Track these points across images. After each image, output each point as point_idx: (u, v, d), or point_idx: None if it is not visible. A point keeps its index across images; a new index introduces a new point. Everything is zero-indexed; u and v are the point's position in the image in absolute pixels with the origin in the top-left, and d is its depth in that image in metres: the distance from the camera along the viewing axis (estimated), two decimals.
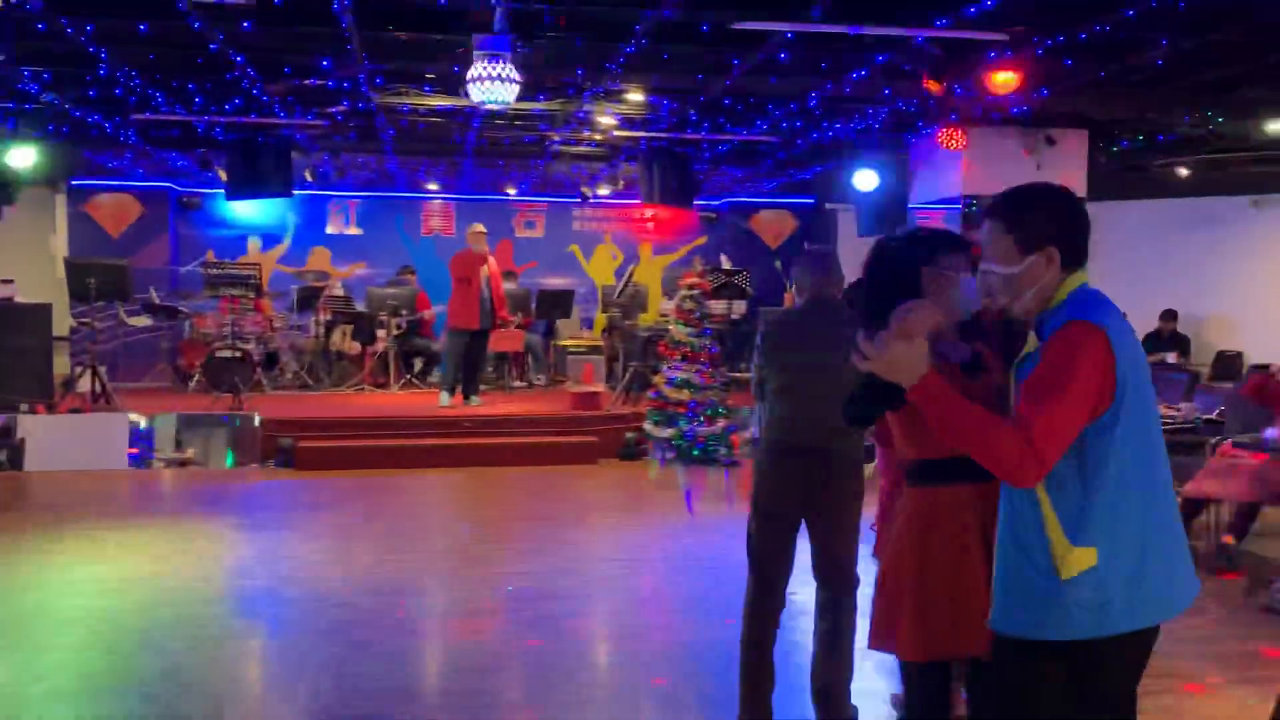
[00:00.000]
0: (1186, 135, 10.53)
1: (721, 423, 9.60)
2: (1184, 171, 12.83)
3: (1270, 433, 5.81)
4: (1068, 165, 9.90)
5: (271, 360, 12.31)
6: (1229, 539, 6.34)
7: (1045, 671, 2.32)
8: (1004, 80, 6.81)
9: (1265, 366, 7.22)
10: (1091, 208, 8.83)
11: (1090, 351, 2.20)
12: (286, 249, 15.29)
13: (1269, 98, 8.69)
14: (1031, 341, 2.34)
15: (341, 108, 9.11)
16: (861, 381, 2.45)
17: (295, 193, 11.79)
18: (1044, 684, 2.33)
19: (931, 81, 6.83)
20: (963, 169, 9.80)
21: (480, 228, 10.64)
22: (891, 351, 2.28)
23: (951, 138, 9.19)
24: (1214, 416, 7.33)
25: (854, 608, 3.78)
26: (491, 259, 10.68)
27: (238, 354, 10.84)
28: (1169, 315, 13.36)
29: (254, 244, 15.14)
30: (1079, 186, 10.02)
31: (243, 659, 4.81)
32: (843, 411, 2.62)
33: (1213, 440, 6.76)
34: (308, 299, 12.55)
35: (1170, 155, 11.99)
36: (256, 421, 9.55)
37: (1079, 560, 2.26)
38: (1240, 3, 6.15)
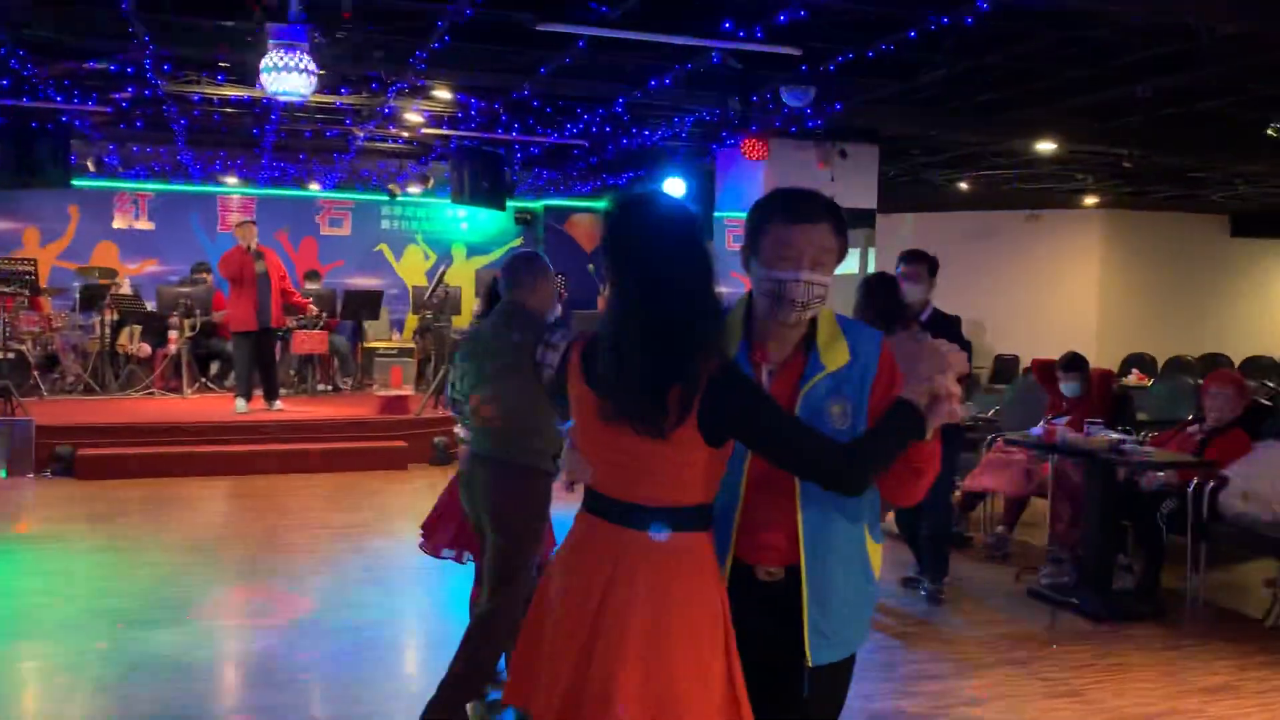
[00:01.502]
0: (966, 152, 11.26)
1: None
2: (964, 186, 13.74)
3: (1036, 430, 6.26)
4: (859, 177, 10.40)
5: (51, 362, 11.47)
6: (1002, 529, 6.83)
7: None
8: (798, 94, 7.10)
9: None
10: (881, 219, 9.37)
11: None
12: (68, 244, 14.31)
13: (1038, 119, 9.40)
14: (841, 355, 2.19)
15: (126, 94, 8.58)
16: (902, 417, 2.08)
17: (76, 184, 11.04)
18: None
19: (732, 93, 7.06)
20: (763, 179, 10.15)
21: (246, 219, 10.19)
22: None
23: (754, 148, 9.50)
24: (990, 415, 7.87)
25: (490, 613, 3.72)
26: (271, 252, 10.24)
27: (10, 355, 10.06)
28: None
29: (31, 237, 14.08)
30: (870, 198, 10.55)
31: (8, 683, 4.44)
32: (865, 455, 2.07)
33: (989, 437, 7.25)
34: (92, 297, 11.76)
35: (952, 171, 12.81)
36: (32, 428, 8.87)
37: (879, 554, 2.34)
38: (1008, 31, 6.63)
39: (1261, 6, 5.95)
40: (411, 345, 13.13)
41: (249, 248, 9.83)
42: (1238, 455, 5.62)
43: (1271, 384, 9.87)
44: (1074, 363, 6.54)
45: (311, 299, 11.63)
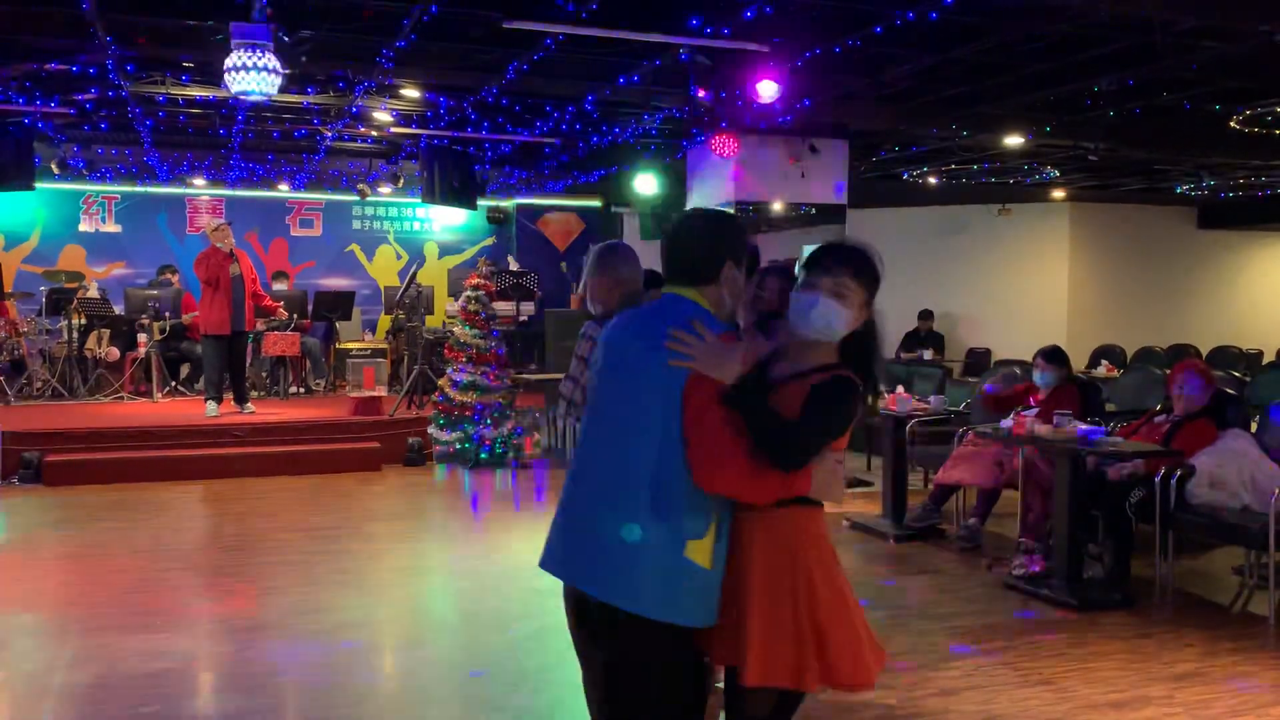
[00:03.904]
0: (935, 147, 11.31)
1: (509, 425, 9.56)
2: (934, 180, 13.80)
3: (1006, 423, 6.29)
4: (829, 173, 10.43)
5: (18, 368, 11.33)
6: (974, 521, 6.87)
7: None
8: (767, 90, 7.11)
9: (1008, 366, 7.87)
10: (851, 214, 9.35)
11: None
12: (34, 247, 14.14)
13: (1005, 114, 9.45)
14: None
15: (90, 95, 8.47)
16: None
17: (39, 186, 10.90)
18: None
19: (700, 90, 7.06)
20: (734, 175, 10.16)
21: (219, 222, 10.09)
22: None
23: (724, 145, 9.51)
24: (961, 409, 7.92)
25: None
26: (244, 255, 10.16)
27: None
28: (925, 315, 14.34)
29: None
30: (840, 194, 10.58)
31: None
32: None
33: (960, 430, 7.30)
34: (59, 301, 11.64)
35: (921, 165, 12.87)
36: None
37: None
38: (973, 26, 6.66)
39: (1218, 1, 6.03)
40: (384, 346, 13.07)
41: (229, 252, 9.76)
42: (1204, 444, 5.69)
43: (1238, 374, 9.98)
44: (1054, 354, 6.62)
45: (281, 301, 11.54)
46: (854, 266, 2.46)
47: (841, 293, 2.43)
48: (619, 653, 2.38)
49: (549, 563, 2.50)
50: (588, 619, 2.42)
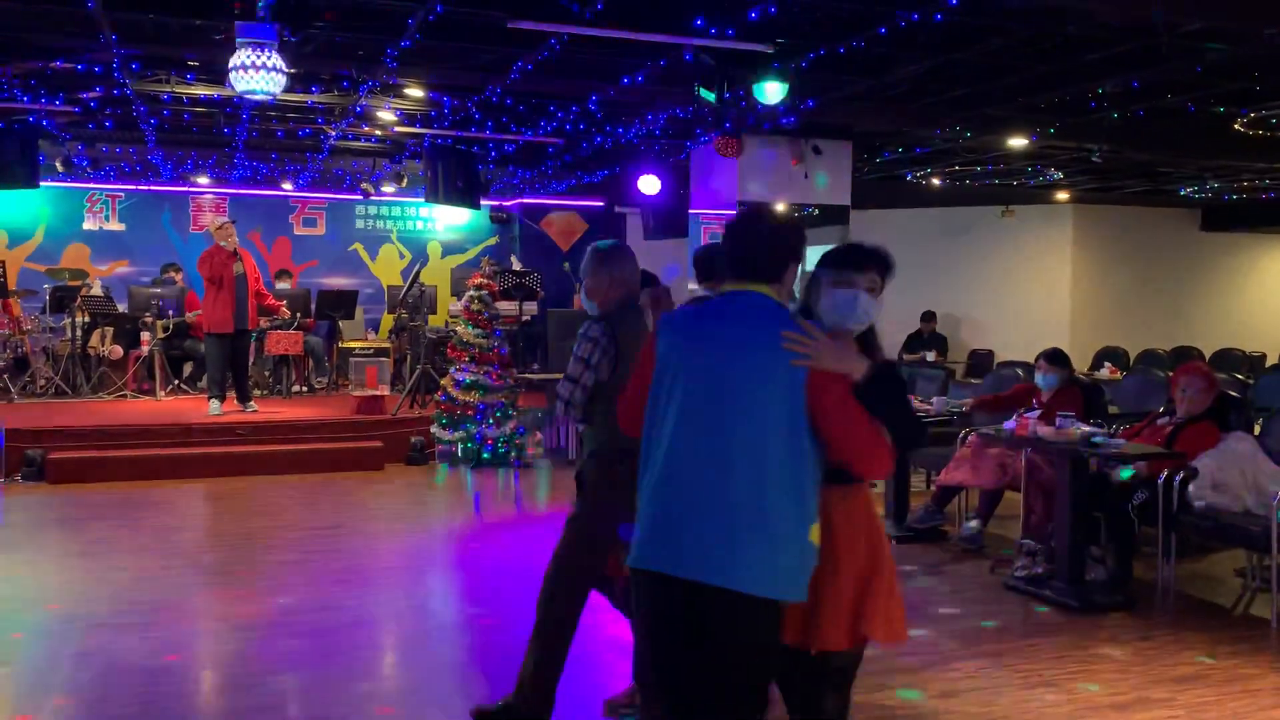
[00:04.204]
0: (939, 149, 11.30)
1: (511, 424, 9.57)
2: (937, 182, 13.79)
3: (1009, 424, 6.29)
4: (833, 174, 10.43)
5: (21, 366, 11.34)
6: (976, 522, 6.86)
7: None
8: (772, 90, 7.11)
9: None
10: (855, 215, 9.35)
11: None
12: (38, 245, 14.16)
13: (1008, 115, 9.45)
14: None
15: (94, 93, 8.48)
16: None
17: (44, 184, 10.91)
18: None
19: (705, 88, 7.06)
20: (737, 176, 10.16)
21: (223, 221, 10.08)
22: None
23: (727, 146, 9.50)
24: (964, 410, 7.91)
25: None
26: (247, 254, 10.16)
27: None
28: (928, 317, 14.32)
29: None
30: (843, 195, 10.58)
31: None
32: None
33: (962, 432, 7.29)
34: (62, 299, 11.65)
35: (925, 167, 12.86)
36: (1, 432, 8.77)
37: None
38: (977, 28, 6.66)
39: (1223, 2, 6.03)
40: (387, 345, 13.08)
41: (233, 250, 9.76)
42: (1207, 447, 5.68)
43: (1241, 376, 9.97)
44: (1056, 357, 6.63)
45: (284, 300, 11.55)
46: (880, 264, 2.76)
47: (873, 288, 2.72)
48: (739, 639, 2.44)
49: (654, 560, 2.50)
50: (687, 610, 2.45)
